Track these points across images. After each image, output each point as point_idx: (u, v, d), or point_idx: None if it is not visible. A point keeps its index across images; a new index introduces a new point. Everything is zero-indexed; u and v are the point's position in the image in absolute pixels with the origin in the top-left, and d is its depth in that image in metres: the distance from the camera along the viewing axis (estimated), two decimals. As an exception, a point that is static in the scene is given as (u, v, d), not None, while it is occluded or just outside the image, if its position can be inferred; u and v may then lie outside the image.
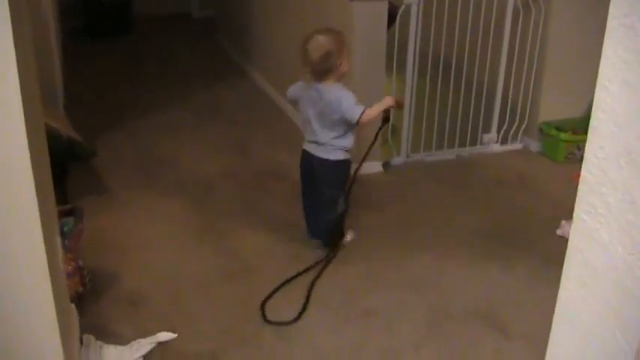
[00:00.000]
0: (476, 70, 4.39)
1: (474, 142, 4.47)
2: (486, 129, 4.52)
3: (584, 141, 4.15)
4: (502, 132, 4.52)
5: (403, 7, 3.97)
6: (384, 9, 3.86)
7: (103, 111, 5.12)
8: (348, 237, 3.38)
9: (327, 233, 3.30)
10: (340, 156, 3.16)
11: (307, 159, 3.22)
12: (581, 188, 1.10)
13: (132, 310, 2.84)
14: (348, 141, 3.15)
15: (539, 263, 3.23)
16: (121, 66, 6.31)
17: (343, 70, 3.06)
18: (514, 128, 4.52)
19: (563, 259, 3.55)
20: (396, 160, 4.24)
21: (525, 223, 3.64)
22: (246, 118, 5.05)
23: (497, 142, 4.53)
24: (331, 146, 3.13)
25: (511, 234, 3.51)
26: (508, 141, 4.55)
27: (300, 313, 2.83)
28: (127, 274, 3.07)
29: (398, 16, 3.98)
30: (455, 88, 4.34)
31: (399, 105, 3.26)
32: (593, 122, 1.06)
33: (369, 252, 3.33)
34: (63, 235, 2.61)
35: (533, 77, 4.38)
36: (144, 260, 3.21)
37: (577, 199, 1.11)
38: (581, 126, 4.36)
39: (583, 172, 1.10)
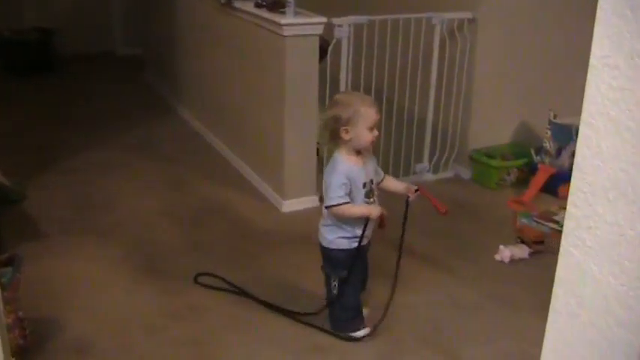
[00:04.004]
0: (406, 100, 4.47)
1: (407, 172, 4.54)
2: (418, 159, 4.61)
3: (514, 167, 4.23)
4: (434, 161, 4.61)
5: (334, 40, 4.02)
6: (315, 43, 3.91)
7: (31, 151, 4.96)
8: (361, 333, 2.90)
9: (329, 313, 2.94)
10: (324, 242, 2.81)
11: None
12: (568, 223, 1.13)
13: (78, 358, 2.74)
14: (332, 235, 2.76)
15: (481, 290, 3.30)
16: (45, 105, 6.13)
17: (346, 139, 2.64)
18: (445, 157, 4.61)
19: (504, 285, 3.57)
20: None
21: (464, 249, 3.71)
22: (178, 155, 4.99)
23: (429, 171, 4.61)
24: (320, 231, 2.82)
25: (451, 261, 3.57)
26: (440, 170, 4.64)
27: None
28: (70, 321, 2.95)
29: (329, 50, 4.03)
30: (387, 119, 4.40)
31: (381, 223, 2.86)
32: (577, 158, 1.10)
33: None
34: (1, 286, 2.50)
35: (461, 106, 4.49)
36: (86, 305, 3.10)
37: (564, 233, 1.14)
38: (510, 152, 4.49)
39: (569, 208, 1.13)
